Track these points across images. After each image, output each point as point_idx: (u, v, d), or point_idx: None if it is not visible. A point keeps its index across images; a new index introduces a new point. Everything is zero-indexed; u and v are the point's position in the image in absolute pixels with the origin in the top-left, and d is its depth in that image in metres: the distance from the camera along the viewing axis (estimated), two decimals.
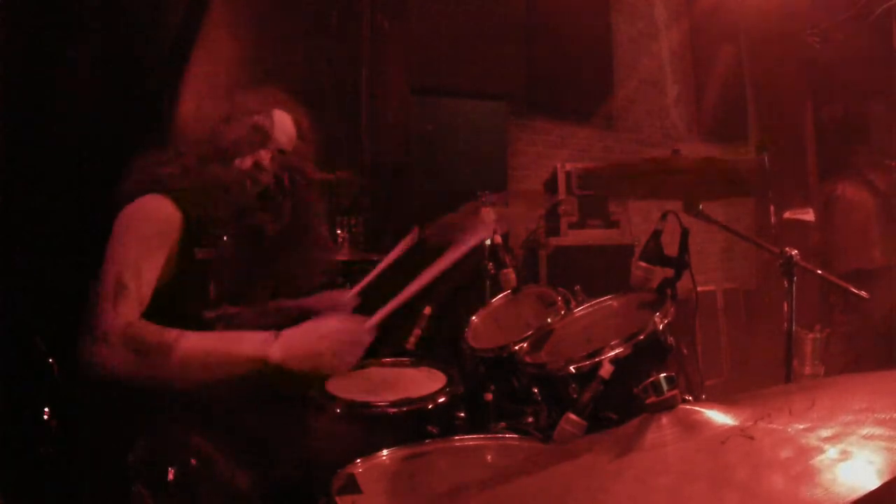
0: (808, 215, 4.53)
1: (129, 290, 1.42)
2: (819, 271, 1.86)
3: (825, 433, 0.68)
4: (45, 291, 2.24)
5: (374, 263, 2.80)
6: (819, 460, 0.64)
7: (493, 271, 2.55)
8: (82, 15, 2.41)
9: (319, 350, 1.45)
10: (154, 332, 1.39)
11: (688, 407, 0.83)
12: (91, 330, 1.39)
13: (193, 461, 1.44)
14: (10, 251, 2.18)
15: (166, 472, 1.42)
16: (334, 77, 3.39)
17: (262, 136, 1.71)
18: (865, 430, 0.67)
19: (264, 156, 1.71)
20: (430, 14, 3.81)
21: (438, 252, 1.66)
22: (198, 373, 1.40)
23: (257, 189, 1.71)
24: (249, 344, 1.44)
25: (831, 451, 0.65)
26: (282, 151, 1.74)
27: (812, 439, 0.68)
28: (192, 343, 1.41)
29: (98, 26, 2.44)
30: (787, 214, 4.65)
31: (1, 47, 2.20)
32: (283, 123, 1.75)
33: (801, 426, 0.71)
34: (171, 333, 1.40)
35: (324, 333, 1.48)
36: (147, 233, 1.52)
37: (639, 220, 4.50)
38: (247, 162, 1.68)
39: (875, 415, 0.71)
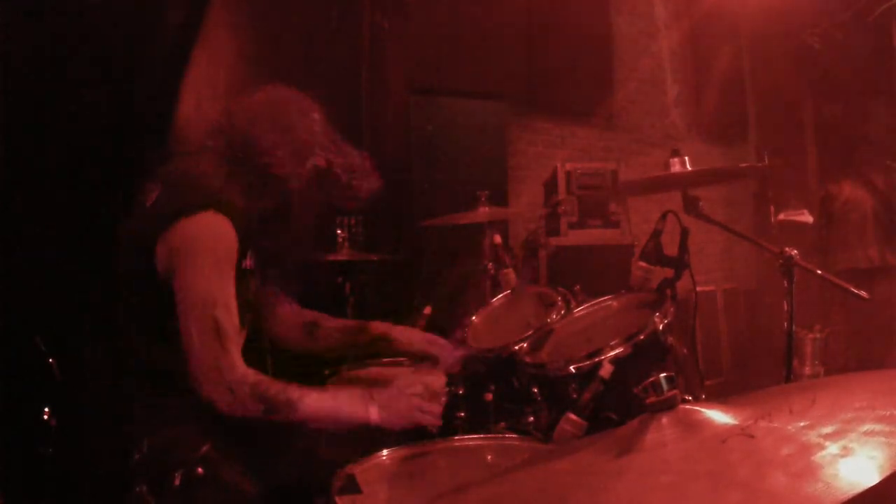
0: (804, 216, 4.52)
1: (227, 330, 1.45)
2: (819, 271, 1.86)
3: (826, 430, 0.68)
4: (45, 291, 2.24)
5: (373, 263, 2.80)
6: (820, 457, 0.64)
7: (493, 271, 2.56)
8: (83, 15, 2.41)
9: (409, 408, 1.53)
10: (280, 392, 1.44)
11: (688, 407, 0.84)
12: (208, 377, 1.42)
13: (198, 464, 1.43)
14: (10, 251, 2.18)
15: (171, 474, 1.42)
16: (334, 77, 3.39)
17: (316, 136, 1.70)
18: (866, 427, 0.67)
19: (323, 155, 1.70)
20: (430, 14, 3.81)
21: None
22: (309, 424, 1.51)
23: (321, 191, 1.71)
24: (354, 408, 1.51)
25: (832, 448, 0.65)
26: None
27: (813, 436, 0.68)
28: (313, 402, 1.48)
29: (99, 26, 2.44)
30: (781, 216, 4.65)
31: (2, 47, 2.21)
32: (318, 121, 1.75)
33: (802, 424, 0.71)
34: (294, 392, 1.46)
35: (403, 394, 1.55)
36: (220, 258, 1.51)
37: (639, 220, 4.50)
38: (314, 161, 1.68)
39: (875, 412, 0.71)
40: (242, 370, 1.45)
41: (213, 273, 1.48)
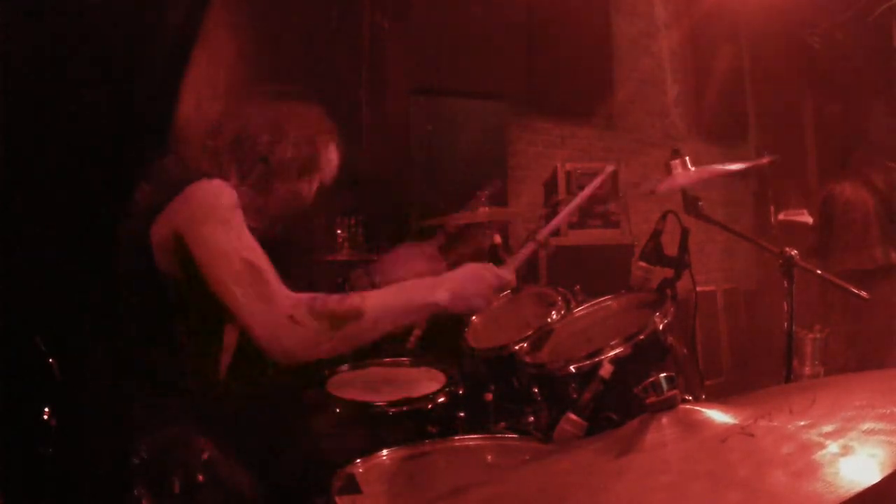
0: (804, 216, 4.52)
1: (261, 266, 1.39)
2: (819, 271, 1.86)
3: (826, 429, 0.68)
4: (45, 291, 2.24)
5: (373, 263, 2.78)
6: (820, 455, 0.64)
7: None
8: (82, 15, 2.41)
9: (477, 292, 1.53)
10: (339, 301, 1.40)
11: (688, 407, 0.84)
12: (263, 319, 1.36)
13: (196, 464, 1.43)
14: (10, 251, 2.18)
15: (169, 475, 1.42)
16: (334, 77, 3.39)
17: (311, 166, 1.66)
18: (866, 426, 0.67)
19: (308, 187, 1.66)
20: (430, 14, 3.81)
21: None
22: (385, 326, 1.46)
23: (290, 214, 1.68)
24: (422, 292, 1.50)
25: (832, 447, 0.65)
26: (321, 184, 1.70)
27: (813, 435, 0.68)
28: (376, 301, 1.44)
29: (98, 26, 2.44)
30: (781, 216, 4.64)
31: (2, 47, 2.20)
32: (332, 159, 1.70)
33: (802, 423, 0.71)
34: (354, 298, 1.41)
35: (478, 276, 1.54)
36: (225, 212, 1.46)
37: (639, 220, 4.50)
38: (292, 187, 1.64)
39: (876, 410, 0.71)
40: (293, 295, 1.39)
41: (224, 226, 1.44)
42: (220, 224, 1.44)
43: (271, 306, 1.36)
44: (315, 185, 1.70)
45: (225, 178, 1.56)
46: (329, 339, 1.37)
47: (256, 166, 1.60)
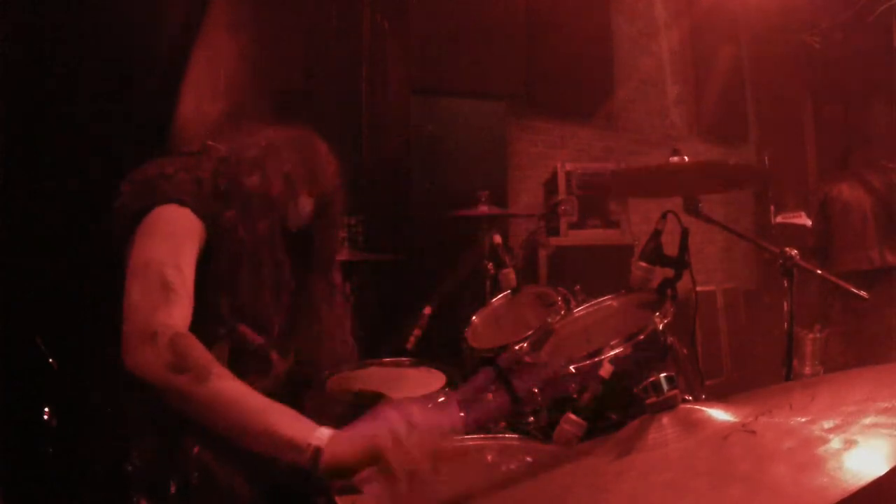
0: (801, 219, 4.52)
1: (175, 287, 1.33)
2: (819, 271, 1.86)
3: (828, 424, 0.68)
4: (45, 291, 2.24)
5: (373, 263, 2.78)
6: (823, 450, 0.64)
7: (493, 271, 2.56)
8: (82, 15, 2.41)
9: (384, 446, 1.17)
10: (200, 354, 1.25)
11: (688, 406, 0.83)
12: (137, 329, 1.27)
13: (193, 469, 1.42)
14: (10, 251, 2.18)
15: (166, 481, 1.41)
16: (334, 77, 3.39)
17: (272, 208, 1.57)
18: (868, 420, 0.67)
19: (262, 226, 1.55)
20: (430, 14, 3.81)
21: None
22: (223, 420, 1.23)
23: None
24: (299, 425, 1.21)
25: (835, 441, 0.65)
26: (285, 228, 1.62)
27: (815, 430, 0.68)
28: (231, 386, 1.24)
29: (97, 26, 2.44)
30: (779, 218, 4.64)
31: (1, 46, 2.21)
32: (303, 207, 1.63)
33: (803, 419, 0.71)
34: (216, 366, 1.25)
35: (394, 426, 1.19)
36: (178, 232, 1.44)
37: (639, 220, 4.50)
38: (250, 222, 1.53)
39: (877, 404, 0.70)
40: (177, 320, 1.29)
41: (168, 243, 1.41)
42: (162, 240, 1.41)
43: (151, 317, 1.28)
44: (276, 227, 1.57)
45: (198, 184, 1.53)
46: (166, 378, 1.23)
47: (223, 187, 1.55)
